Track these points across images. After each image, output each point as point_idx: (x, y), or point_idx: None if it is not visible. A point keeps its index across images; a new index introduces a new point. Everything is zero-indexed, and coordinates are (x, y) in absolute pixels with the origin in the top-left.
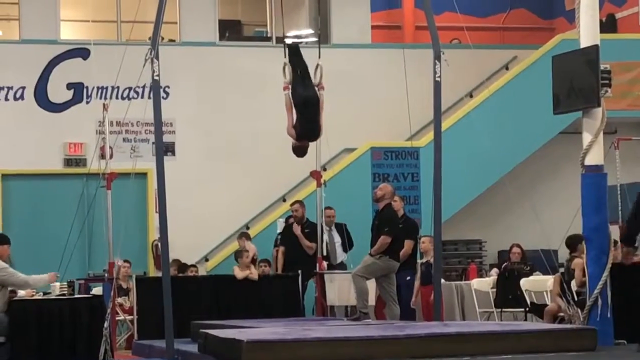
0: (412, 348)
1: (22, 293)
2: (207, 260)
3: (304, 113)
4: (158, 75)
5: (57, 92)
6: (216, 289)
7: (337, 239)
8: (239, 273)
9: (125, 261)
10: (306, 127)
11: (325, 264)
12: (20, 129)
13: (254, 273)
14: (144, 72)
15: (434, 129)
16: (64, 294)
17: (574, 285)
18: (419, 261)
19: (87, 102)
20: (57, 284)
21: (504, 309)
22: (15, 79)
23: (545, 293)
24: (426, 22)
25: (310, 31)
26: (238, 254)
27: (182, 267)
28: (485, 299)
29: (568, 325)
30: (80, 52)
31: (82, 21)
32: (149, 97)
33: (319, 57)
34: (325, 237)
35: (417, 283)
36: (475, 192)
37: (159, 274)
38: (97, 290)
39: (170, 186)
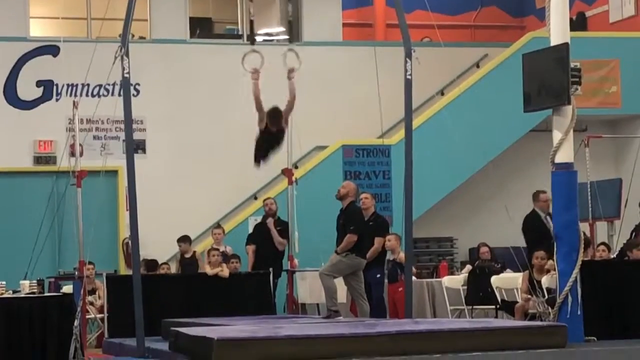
0: (383, 345)
1: None
2: (177, 258)
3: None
4: (128, 73)
5: (27, 89)
6: (187, 287)
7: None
8: (210, 270)
9: (89, 263)
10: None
11: (296, 261)
12: None
13: (224, 270)
14: (114, 70)
15: (405, 127)
16: (33, 292)
17: (544, 282)
18: (386, 259)
19: (57, 100)
20: (27, 282)
21: (474, 307)
22: None
23: (515, 290)
24: (397, 20)
25: (282, 29)
26: (208, 254)
27: (150, 265)
28: (456, 297)
29: (538, 323)
30: (50, 49)
31: (51, 18)
32: (119, 95)
33: None
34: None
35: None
36: (446, 189)
37: (130, 272)
38: (67, 288)
39: (141, 184)
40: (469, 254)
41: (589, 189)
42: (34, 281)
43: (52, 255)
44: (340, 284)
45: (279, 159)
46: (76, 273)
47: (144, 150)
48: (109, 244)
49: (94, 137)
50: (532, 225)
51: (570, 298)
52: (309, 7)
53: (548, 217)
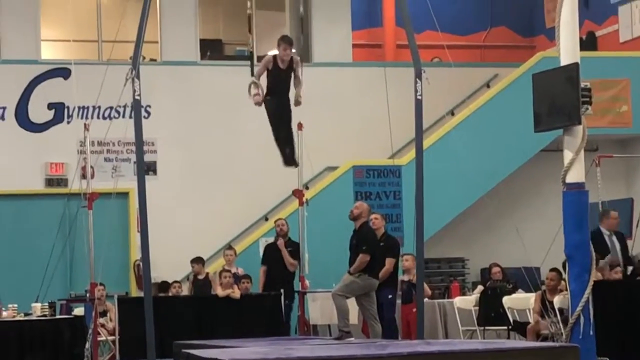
0: None
1: (4, 314)
2: (189, 279)
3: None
4: (139, 95)
5: (38, 112)
6: (199, 308)
7: (619, 246)
8: (221, 291)
9: (100, 285)
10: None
11: (307, 282)
12: (1, 149)
13: (236, 292)
14: (125, 92)
15: (416, 147)
16: (45, 315)
17: (556, 302)
18: (399, 279)
19: (68, 122)
20: (38, 304)
21: (486, 327)
22: None
23: (527, 311)
24: (407, 41)
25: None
26: (220, 275)
27: (162, 287)
28: (468, 317)
29: (551, 343)
30: (61, 71)
31: (63, 41)
32: (130, 117)
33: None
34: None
35: (397, 301)
36: (457, 210)
37: (141, 294)
38: (78, 310)
39: (152, 205)
40: (480, 274)
41: (600, 209)
42: (46, 304)
43: (63, 278)
44: (351, 304)
45: (289, 180)
46: (87, 295)
47: (155, 172)
48: (120, 266)
49: (105, 159)
50: (593, 243)
51: (582, 318)
52: (319, 28)
53: (614, 237)
